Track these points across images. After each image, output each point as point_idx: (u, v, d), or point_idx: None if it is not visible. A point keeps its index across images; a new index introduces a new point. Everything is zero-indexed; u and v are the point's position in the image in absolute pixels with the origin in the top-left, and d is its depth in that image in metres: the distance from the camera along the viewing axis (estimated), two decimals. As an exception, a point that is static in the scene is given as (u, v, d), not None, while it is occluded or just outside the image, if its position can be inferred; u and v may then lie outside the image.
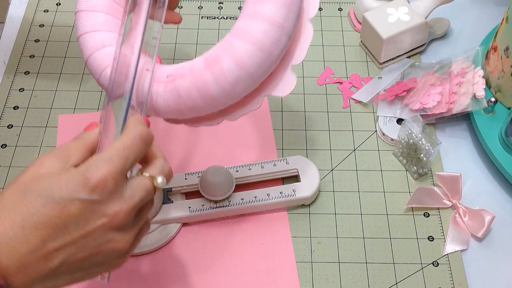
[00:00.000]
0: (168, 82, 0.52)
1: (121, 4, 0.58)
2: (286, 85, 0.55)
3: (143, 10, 0.52)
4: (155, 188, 0.47)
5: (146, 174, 0.47)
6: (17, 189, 0.43)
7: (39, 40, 0.87)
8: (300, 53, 0.55)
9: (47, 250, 0.42)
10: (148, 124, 0.50)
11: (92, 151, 0.48)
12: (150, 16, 0.52)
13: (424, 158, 0.70)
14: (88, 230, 0.43)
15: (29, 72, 0.83)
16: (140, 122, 0.48)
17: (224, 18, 0.90)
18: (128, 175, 0.47)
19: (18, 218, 0.41)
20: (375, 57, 0.83)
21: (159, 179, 0.47)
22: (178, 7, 0.91)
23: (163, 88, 0.52)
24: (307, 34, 0.55)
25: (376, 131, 0.77)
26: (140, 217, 0.48)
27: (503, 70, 0.75)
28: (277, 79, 0.55)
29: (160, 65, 0.55)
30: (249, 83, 0.52)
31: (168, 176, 0.49)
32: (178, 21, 0.65)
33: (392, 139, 0.75)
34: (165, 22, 0.55)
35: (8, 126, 0.77)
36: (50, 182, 0.43)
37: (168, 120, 0.56)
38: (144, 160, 0.50)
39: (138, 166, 0.49)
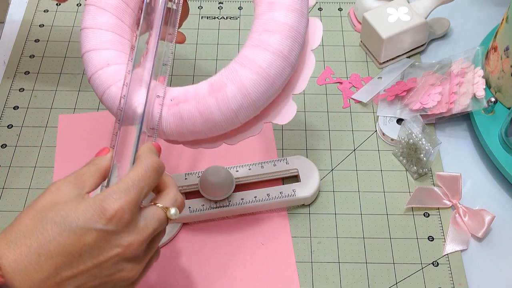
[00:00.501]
0: (172, 105, 0.53)
1: (127, 23, 0.59)
2: (286, 113, 0.57)
3: (153, 35, 0.53)
4: (167, 219, 0.48)
5: (159, 204, 0.48)
6: (33, 215, 0.44)
7: (39, 40, 0.87)
8: (302, 83, 0.57)
9: (60, 278, 0.43)
10: (159, 151, 0.51)
11: (105, 176, 0.49)
12: (162, 38, 0.54)
13: (424, 158, 0.70)
14: (101, 260, 0.44)
15: (29, 72, 0.83)
16: (152, 151, 0.49)
17: (224, 18, 0.90)
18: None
19: (34, 245, 0.42)
20: (375, 57, 0.83)
21: (172, 211, 0.48)
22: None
23: (166, 111, 0.53)
24: (309, 65, 0.57)
25: (376, 131, 0.77)
26: (151, 246, 0.48)
27: (503, 70, 0.75)
28: (278, 107, 0.57)
29: (164, 87, 0.55)
30: (251, 110, 0.53)
31: (181, 207, 0.50)
32: (182, 41, 0.66)
33: (392, 139, 0.75)
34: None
35: (8, 126, 0.77)
36: (68, 211, 0.43)
37: (168, 140, 0.57)
38: (156, 189, 0.50)
39: (150, 195, 0.49)
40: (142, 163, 0.47)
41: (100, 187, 0.50)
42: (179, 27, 0.64)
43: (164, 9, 0.54)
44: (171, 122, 0.53)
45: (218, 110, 0.52)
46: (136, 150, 0.50)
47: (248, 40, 0.54)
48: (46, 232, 0.42)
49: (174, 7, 0.56)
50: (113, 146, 0.51)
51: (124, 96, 0.52)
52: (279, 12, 0.53)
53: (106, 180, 0.50)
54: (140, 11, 0.55)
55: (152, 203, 0.48)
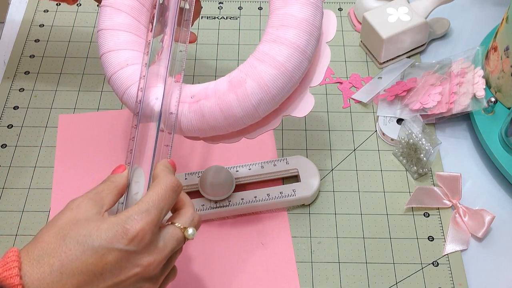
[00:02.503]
0: (192, 102, 0.54)
1: (143, 23, 0.60)
2: (305, 106, 0.58)
3: (168, 34, 0.54)
4: (185, 238, 0.49)
5: (177, 224, 0.49)
6: (56, 233, 0.44)
7: (39, 40, 0.87)
8: (319, 75, 0.58)
9: None
10: (174, 168, 0.52)
11: (122, 193, 0.49)
12: (175, 39, 0.55)
13: (424, 158, 0.70)
14: (121, 279, 0.45)
15: (29, 72, 0.83)
16: (169, 170, 0.50)
17: (224, 18, 0.90)
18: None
19: (57, 264, 0.43)
20: (375, 57, 0.83)
21: (190, 230, 0.49)
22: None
23: (187, 108, 0.54)
24: (325, 57, 0.58)
25: (376, 131, 0.77)
26: (168, 265, 0.49)
27: (503, 70, 0.75)
28: (296, 100, 0.58)
29: (183, 84, 0.56)
30: (271, 104, 0.54)
31: (198, 226, 0.50)
32: (193, 40, 0.67)
33: (392, 139, 0.75)
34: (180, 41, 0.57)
35: (8, 126, 0.77)
36: (90, 230, 0.44)
37: (188, 137, 0.58)
38: (173, 207, 0.51)
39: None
40: (161, 183, 0.48)
41: (116, 204, 0.50)
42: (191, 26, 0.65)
43: (177, 8, 0.55)
44: (192, 119, 0.54)
45: (238, 106, 0.53)
46: (155, 153, 0.51)
47: (265, 35, 0.54)
48: (69, 251, 0.43)
49: (187, 6, 0.56)
50: (133, 138, 0.52)
51: (141, 88, 0.53)
52: (295, 7, 0.53)
53: (123, 197, 0.51)
54: (154, 10, 0.56)
55: (170, 222, 0.49)
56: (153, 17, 0.56)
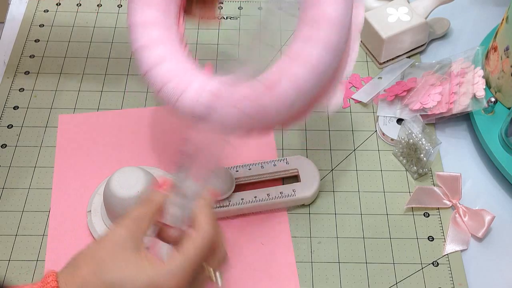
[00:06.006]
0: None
1: (172, 17, 0.60)
2: (333, 100, 0.59)
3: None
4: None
5: (210, 269, 0.49)
6: (94, 270, 0.45)
7: (39, 40, 0.87)
8: (348, 70, 0.58)
9: None
10: (215, 197, 0.52)
11: (160, 211, 0.49)
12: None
13: (424, 158, 0.70)
14: None
15: (29, 72, 0.83)
16: (211, 211, 0.50)
17: (224, 18, 0.90)
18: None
19: None
20: (375, 57, 0.83)
21: (217, 274, 0.49)
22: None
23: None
24: (353, 53, 0.58)
25: (376, 131, 0.77)
26: None
27: (503, 70, 0.75)
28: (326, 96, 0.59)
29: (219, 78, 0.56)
30: (304, 102, 0.55)
31: (226, 262, 0.51)
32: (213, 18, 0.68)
33: (392, 139, 0.75)
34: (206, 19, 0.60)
35: (8, 126, 0.77)
36: (127, 275, 0.45)
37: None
38: None
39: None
40: (201, 234, 0.48)
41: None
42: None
43: None
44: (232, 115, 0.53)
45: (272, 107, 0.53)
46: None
47: (298, 33, 0.54)
48: None
49: None
50: (185, 139, 0.51)
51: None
52: (329, 6, 0.53)
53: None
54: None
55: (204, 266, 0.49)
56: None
